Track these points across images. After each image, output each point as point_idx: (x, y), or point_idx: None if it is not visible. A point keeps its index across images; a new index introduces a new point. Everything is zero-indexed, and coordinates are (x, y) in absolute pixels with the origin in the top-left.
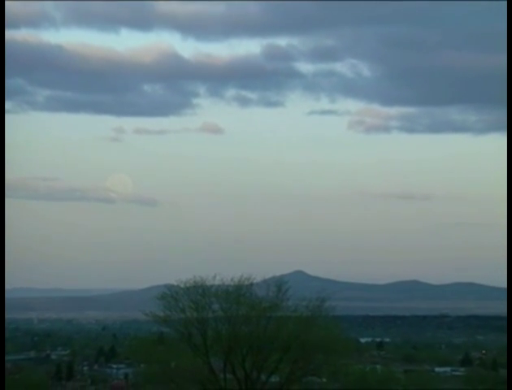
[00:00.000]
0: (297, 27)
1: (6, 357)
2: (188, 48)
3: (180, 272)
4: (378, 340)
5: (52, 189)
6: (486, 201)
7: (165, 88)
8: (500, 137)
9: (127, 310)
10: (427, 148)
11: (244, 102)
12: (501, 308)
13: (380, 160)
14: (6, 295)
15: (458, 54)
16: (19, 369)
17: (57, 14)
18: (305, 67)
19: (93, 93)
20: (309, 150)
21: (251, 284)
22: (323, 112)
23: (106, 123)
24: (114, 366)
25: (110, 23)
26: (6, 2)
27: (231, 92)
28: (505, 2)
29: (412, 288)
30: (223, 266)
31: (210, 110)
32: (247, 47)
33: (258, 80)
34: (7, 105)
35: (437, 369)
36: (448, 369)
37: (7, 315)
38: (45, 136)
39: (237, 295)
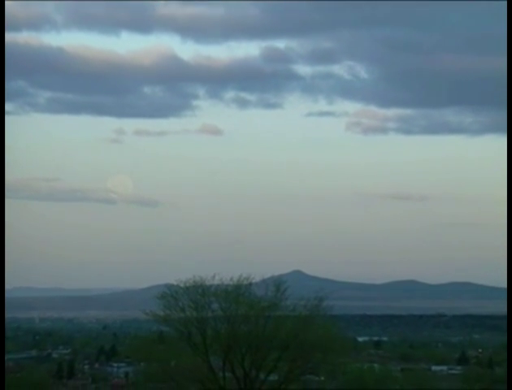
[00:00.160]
0: (295, 29)
1: (8, 356)
2: (188, 50)
3: (179, 272)
4: (375, 338)
5: (53, 190)
6: (482, 201)
7: (165, 90)
8: (495, 138)
9: (127, 310)
10: (423, 149)
11: (243, 104)
12: (497, 307)
13: (378, 161)
14: (8, 294)
15: (455, 57)
16: (20, 367)
17: (58, 16)
18: (303, 69)
19: (94, 95)
20: (307, 151)
21: (250, 284)
22: (321, 114)
23: (106, 125)
24: (115, 364)
25: (110, 25)
26: (8, 5)
27: (230, 94)
28: (503, 5)
29: (409, 287)
30: (222, 265)
31: (209, 111)
32: (246, 49)
33: (257, 82)
34: (9, 107)
35: (434, 367)
36: (444, 367)
37: (9, 314)
38: (46, 138)
39: (236, 294)
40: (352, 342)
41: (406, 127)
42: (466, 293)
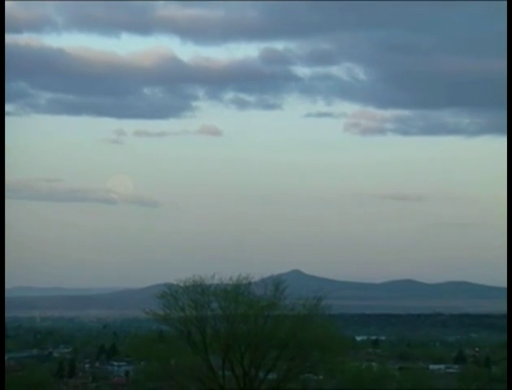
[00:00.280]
0: (294, 31)
1: (10, 355)
2: (188, 52)
3: (179, 271)
4: (373, 338)
5: (54, 190)
6: (479, 201)
7: (165, 91)
8: (492, 139)
9: (127, 309)
10: (421, 150)
11: (242, 105)
12: (494, 306)
13: (376, 162)
14: (9, 294)
15: (452, 58)
16: (21, 366)
17: (58, 18)
18: (302, 70)
19: (94, 96)
20: (306, 152)
21: (249, 283)
22: (320, 115)
23: (106, 126)
24: (115, 363)
25: (110, 27)
26: (8, 7)
27: (229, 95)
28: (499, 7)
29: (407, 287)
30: (221, 265)
31: (208, 112)
32: (245, 51)
33: (256, 84)
34: (10, 107)
35: (431, 366)
36: (442, 366)
37: (10, 314)
38: (47, 139)
39: (236, 294)
40: (350, 341)
41: (404, 128)
42: (463, 292)
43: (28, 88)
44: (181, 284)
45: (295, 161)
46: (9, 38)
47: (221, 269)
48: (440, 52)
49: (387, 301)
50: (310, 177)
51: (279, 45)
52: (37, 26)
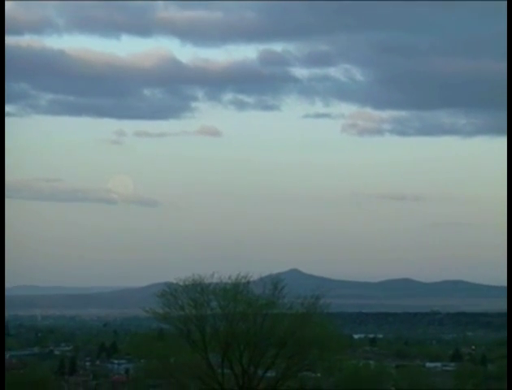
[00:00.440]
0: (292, 33)
1: (11, 353)
2: (187, 53)
3: (179, 270)
4: (371, 336)
5: (55, 190)
6: (475, 201)
7: (164, 92)
8: (488, 140)
9: (127, 307)
10: (418, 150)
11: (241, 106)
12: (490, 305)
13: (373, 162)
14: (11, 293)
15: (448, 60)
16: (23, 364)
17: (59, 20)
18: (300, 71)
19: (95, 97)
20: (304, 152)
21: (248, 282)
22: (318, 115)
23: (107, 126)
24: (116, 361)
25: (111, 29)
26: (10, 9)
27: (228, 96)
28: (495, 9)
29: (404, 285)
30: (220, 264)
31: (208, 113)
32: (244, 52)
33: (255, 85)
34: (11, 108)
35: (428, 364)
36: (438, 364)
37: (12, 312)
38: (48, 139)
39: (235, 293)
40: (348, 339)
41: (401, 129)
42: (460, 291)
43: (30, 89)
44: (181, 283)
45: (293, 161)
46: (10, 40)
47: (220, 268)
48: (437, 53)
49: (384, 299)
50: (308, 177)
51: (277, 47)
52: (38, 28)
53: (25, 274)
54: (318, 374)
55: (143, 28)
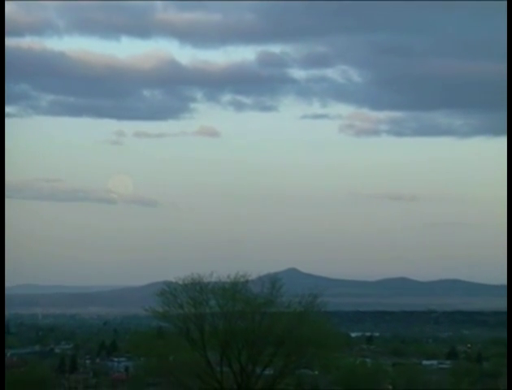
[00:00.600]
0: (290, 35)
1: (12, 351)
2: (186, 55)
3: (178, 270)
4: (368, 334)
5: (55, 190)
6: (471, 201)
7: (164, 93)
8: (484, 140)
9: (127, 306)
10: (414, 150)
11: (239, 107)
12: (486, 303)
13: (370, 162)
14: (12, 292)
15: (444, 61)
16: (24, 362)
17: (60, 22)
18: (298, 73)
19: (95, 98)
20: (302, 153)
21: (246, 281)
22: (316, 116)
23: (107, 127)
24: (116, 359)
25: (111, 31)
26: (11, 11)
27: (227, 97)
28: (491, 11)
29: (400, 284)
30: (219, 263)
31: (206, 114)
32: (242, 54)
33: (253, 86)
34: (12, 109)
35: (424, 362)
36: (434, 362)
37: (13, 311)
38: (48, 140)
39: (233, 292)
40: (345, 337)
41: (398, 130)
42: (456, 290)
43: (30, 90)
44: (180, 282)
45: (291, 161)
46: (11, 42)
47: (219, 267)
48: (433, 55)
49: (381, 298)
50: (306, 177)
51: (275, 48)
52: (39, 30)
53: (26, 273)
54: (316, 372)
55: (142, 30)
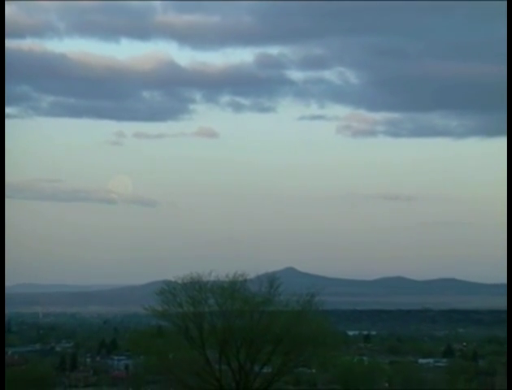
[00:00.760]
0: (287, 37)
1: (13, 350)
2: (185, 56)
3: (177, 269)
4: (365, 332)
5: (56, 190)
6: (467, 201)
7: (163, 94)
8: (479, 141)
9: (127, 305)
10: (411, 151)
11: (238, 108)
12: (481, 302)
13: (367, 163)
14: (13, 290)
15: (440, 63)
16: (25, 360)
17: (60, 24)
18: (295, 74)
19: (95, 99)
20: (299, 153)
21: (245, 280)
22: (313, 117)
23: (107, 128)
24: (116, 357)
25: (110, 32)
26: (12, 13)
27: (225, 98)
28: (486, 14)
29: (397, 283)
30: (218, 263)
31: (205, 115)
32: (241, 56)
33: (251, 87)
34: (13, 110)
35: (421, 360)
36: (431, 360)
37: (14, 310)
38: (49, 140)
39: (232, 290)
40: (342, 336)
41: (394, 131)
42: (452, 289)
43: (31, 91)
44: (179, 281)
45: (289, 162)
46: (12, 43)
47: (218, 266)
48: (429, 57)
49: (378, 297)
50: (303, 178)
51: (273, 50)
52: (40, 32)
53: (27, 272)
54: (314, 370)
55: (142, 32)
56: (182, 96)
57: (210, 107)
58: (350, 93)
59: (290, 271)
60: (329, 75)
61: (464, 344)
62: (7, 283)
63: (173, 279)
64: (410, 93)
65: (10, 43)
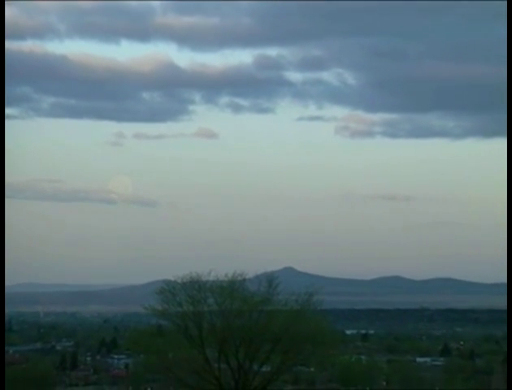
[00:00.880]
0: (286, 38)
1: (14, 349)
2: (184, 58)
3: (177, 268)
4: (362, 331)
5: (57, 191)
6: (463, 201)
7: (162, 95)
8: (476, 142)
9: (127, 304)
10: (408, 152)
11: (237, 109)
12: (478, 301)
13: (365, 163)
14: (14, 290)
15: (437, 64)
16: (26, 359)
17: (61, 26)
18: (294, 75)
19: (95, 100)
20: (298, 154)
21: (244, 280)
22: (311, 118)
23: (107, 129)
24: (116, 356)
25: (111, 34)
26: (13, 15)
27: (224, 99)
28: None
29: (394, 283)
30: (217, 262)
31: (204, 116)
32: (239, 57)
33: (250, 88)
34: (14, 111)
35: (418, 359)
36: (428, 359)
37: (15, 309)
38: (49, 141)
39: (231, 290)
40: (340, 335)
41: (392, 131)
42: (449, 288)
43: (32, 92)
44: (179, 281)
45: (287, 162)
46: (13, 45)
47: (217, 266)
48: (426, 58)
49: (376, 296)
50: (301, 178)
51: (272, 52)
52: (41, 33)
53: (28, 272)
54: (312, 369)
55: (142, 34)
56: (181, 97)
57: (209, 108)
58: (348, 94)
59: (289, 271)
60: (327, 76)
61: (461, 343)
62: (8, 282)
63: (173, 279)
64: (407, 94)
65: (11, 45)
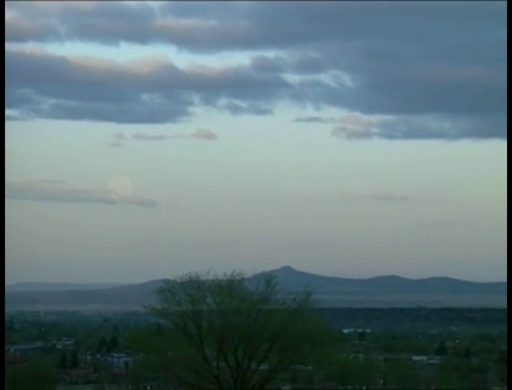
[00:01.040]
0: (284, 40)
1: (15, 347)
2: (183, 60)
3: (176, 268)
4: (360, 330)
5: (57, 191)
6: (460, 201)
7: (162, 97)
8: (472, 143)
9: (127, 303)
10: (404, 153)
11: (235, 110)
12: (474, 301)
13: (362, 164)
14: (15, 289)
15: (433, 66)
16: (27, 358)
17: (61, 28)
18: (292, 77)
19: (95, 102)
20: (295, 155)
21: (242, 279)
22: (309, 119)
23: (107, 130)
24: (115, 355)
25: (110, 36)
26: (14, 18)
27: (223, 100)
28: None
29: (391, 282)
30: (216, 262)
31: (203, 117)
32: (238, 59)
33: (249, 90)
34: (15, 113)
35: (414, 357)
36: (424, 357)
37: (16, 308)
38: (50, 142)
39: (229, 289)
40: (338, 334)
41: (389, 132)
42: (445, 288)
43: (32, 94)
44: (178, 280)
45: (285, 163)
46: (14, 47)
47: (216, 266)
48: (423, 60)
49: (372, 295)
50: (299, 178)
51: (270, 54)
52: (41, 35)
53: (29, 271)
54: (310, 367)
55: (141, 36)
56: (181, 98)
57: (208, 109)
58: (345, 95)
59: (287, 270)
60: (325, 78)
61: (457, 341)
62: (9, 282)
63: (172, 278)
64: (404, 96)
65: (11, 47)
